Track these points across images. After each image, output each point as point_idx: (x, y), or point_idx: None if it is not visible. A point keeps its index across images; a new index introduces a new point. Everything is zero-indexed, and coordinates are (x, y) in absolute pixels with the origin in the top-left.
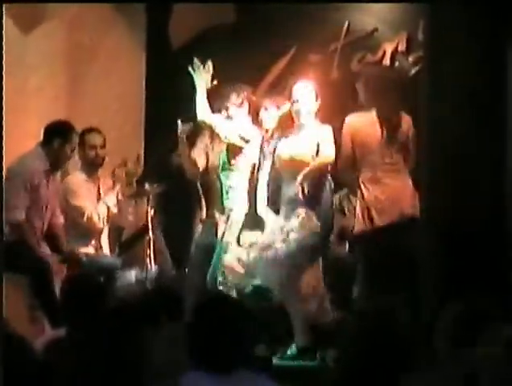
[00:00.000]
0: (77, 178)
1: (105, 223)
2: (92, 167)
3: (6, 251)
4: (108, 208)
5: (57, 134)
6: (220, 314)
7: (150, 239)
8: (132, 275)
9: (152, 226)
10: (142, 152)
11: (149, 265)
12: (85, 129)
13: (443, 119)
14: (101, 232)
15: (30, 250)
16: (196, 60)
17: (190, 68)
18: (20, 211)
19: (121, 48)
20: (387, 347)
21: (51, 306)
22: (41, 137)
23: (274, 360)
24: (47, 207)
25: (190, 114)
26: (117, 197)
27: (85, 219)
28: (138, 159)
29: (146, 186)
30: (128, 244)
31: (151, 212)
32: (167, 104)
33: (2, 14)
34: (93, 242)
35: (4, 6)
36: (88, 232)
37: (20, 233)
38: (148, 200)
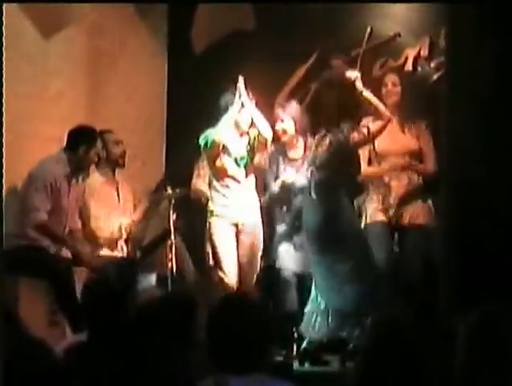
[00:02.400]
0: (95, 179)
1: (122, 235)
2: (113, 167)
3: (25, 255)
4: (120, 227)
5: (82, 140)
6: (239, 315)
7: (172, 243)
8: (153, 279)
9: (174, 230)
10: (163, 156)
11: (170, 270)
12: (101, 130)
13: (463, 125)
14: (115, 241)
15: (52, 254)
16: (241, 79)
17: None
18: (42, 212)
19: (143, 53)
20: (403, 355)
21: (73, 311)
22: (63, 142)
23: (295, 366)
24: (68, 212)
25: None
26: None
27: (92, 227)
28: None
29: (169, 190)
30: (150, 249)
31: (173, 217)
32: (188, 109)
33: (2, 14)
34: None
35: (26, 9)
36: (106, 239)
37: (42, 236)
38: (170, 204)
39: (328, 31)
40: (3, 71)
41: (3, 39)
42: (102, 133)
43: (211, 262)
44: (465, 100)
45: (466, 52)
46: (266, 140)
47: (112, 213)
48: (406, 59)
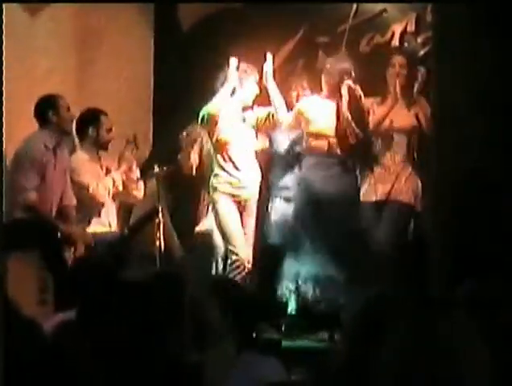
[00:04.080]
0: (79, 157)
1: (111, 199)
2: (97, 148)
3: (15, 230)
4: (114, 183)
5: (46, 106)
6: (223, 298)
7: (159, 221)
8: (141, 257)
9: (162, 208)
10: (150, 134)
11: (158, 248)
12: (99, 110)
13: (452, 100)
14: (103, 205)
15: (42, 227)
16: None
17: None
18: (31, 191)
19: (130, 30)
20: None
21: (62, 288)
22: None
23: (283, 342)
24: (55, 187)
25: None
26: (122, 177)
27: (90, 191)
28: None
29: (156, 168)
30: (137, 227)
31: (161, 194)
32: (175, 86)
33: (2, 14)
34: (102, 220)
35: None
36: (94, 209)
37: (32, 214)
38: (158, 182)
39: (314, 7)
40: (3, 69)
41: (3, 37)
42: (99, 113)
43: (219, 240)
44: (453, 74)
45: (453, 26)
46: (280, 121)
47: (100, 181)
48: (393, 34)
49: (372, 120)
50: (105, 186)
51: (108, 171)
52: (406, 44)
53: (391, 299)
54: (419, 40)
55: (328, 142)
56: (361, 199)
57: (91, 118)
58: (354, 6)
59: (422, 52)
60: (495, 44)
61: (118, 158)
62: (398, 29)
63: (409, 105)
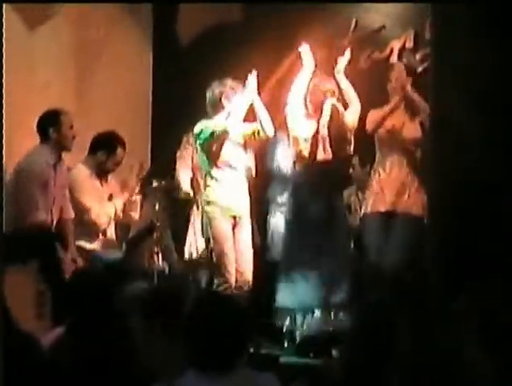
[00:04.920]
0: (81, 172)
1: (111, 223)
2: (99, 171)
3: (15, 241)
4: (115, 211)
5: (48, 124)
6: (216, 313)
7: (158, 237)
8: (139, 272)
9: (159, 223)
10: (149, 147)
11: (156, 263)
12: (120, 140)
13: (451, 115)
14: (105, 229)
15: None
16: (254, 72)
17: None
18: (40, 211)
19: (129, 45)
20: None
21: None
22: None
23: (281, 358)
24: (54, 201)
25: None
26: (123, 202)
27: (92, 217)
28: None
29: (154, 183)
30: (135, 242)
31: (159, 209)
32: (174, 99)
33: (2, 14)
34: (100, 237)
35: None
36: (93, 229)
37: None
38: (155, 197)
39: (313, 23)
40: (3, 67)
41: (3, 39)
42: (119, 142)
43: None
44: (451, 91)
45: (451, 42)
46: (266, 137)
47: (103, 202)
48: (392, 51)
49: (372, 119)
50: (107, 213)
51: (110, 196)
52: (404, 60)
53: (390, 305)
54: (418, 57)
55: (310, 159)
56: (369, 209)
57: (107, 144)
58: (353, 21)
59: (420, 68)
60: (495, 49)
61: (121, 185)
62: (396, 45)
63: (412, 115)
